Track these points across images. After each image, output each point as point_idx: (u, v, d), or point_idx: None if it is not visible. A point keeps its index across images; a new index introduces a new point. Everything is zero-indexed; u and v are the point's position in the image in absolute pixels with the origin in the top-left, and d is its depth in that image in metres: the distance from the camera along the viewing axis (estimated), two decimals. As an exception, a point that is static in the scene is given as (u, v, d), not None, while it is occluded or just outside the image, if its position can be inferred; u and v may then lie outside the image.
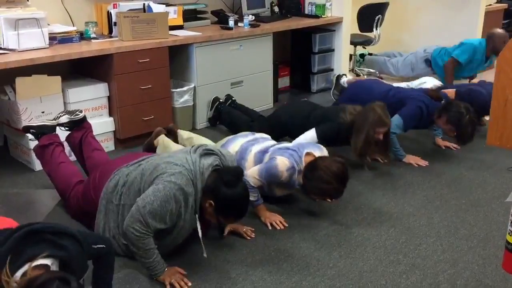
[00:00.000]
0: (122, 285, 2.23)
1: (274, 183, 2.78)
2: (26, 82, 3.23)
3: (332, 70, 5.31)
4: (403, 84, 4.41)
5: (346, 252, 2.52)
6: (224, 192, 2.20)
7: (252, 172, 2.72)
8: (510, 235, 1.66)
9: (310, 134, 3.30)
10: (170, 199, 2.16)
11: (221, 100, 4.19)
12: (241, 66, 4.37)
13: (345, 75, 5.03)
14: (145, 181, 2.29)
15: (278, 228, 2.72)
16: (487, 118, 4.24)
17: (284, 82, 5.30)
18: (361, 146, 3.21)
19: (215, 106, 4.17)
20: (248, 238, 2.63)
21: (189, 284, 2.25)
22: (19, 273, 1.63)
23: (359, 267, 2.40)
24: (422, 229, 2.74)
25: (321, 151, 2.86)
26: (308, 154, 2.77)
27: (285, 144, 2.93)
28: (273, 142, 3.03)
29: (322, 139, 3.25)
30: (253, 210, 2.81)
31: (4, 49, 3.27)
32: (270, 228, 2.72)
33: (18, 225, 1.77)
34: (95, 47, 3.51)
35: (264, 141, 3.00)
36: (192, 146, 2.42)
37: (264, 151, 2.86)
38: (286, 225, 2.75)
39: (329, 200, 2.79)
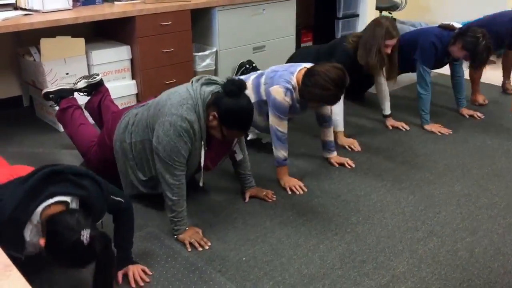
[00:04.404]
0: (143, 243, 2.29)
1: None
2: (50, 43, 3.26)
3: (356, 36, 5.20)
4: None
5: (364, 217, 2.53)
6: (226, 102, 2.20)
7: (272, 121, 2.75)
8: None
9: None
10: (181, 131, 2.20)
11: (247, 66, 4.16)
12: (264, 31, 4.31)
13: None
14: (150, 116, 2.35)
15: (298, 193, 2.75)
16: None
17: (307, 47, 5.23)
18: (373, 59, 3.26)
19: (240, 71, 4.14)
20: (270, 200, 2.66)
21: (209, 244, 2.29)
22: (40, 208, 1.71)
23: (376, 232, 2.41)
24: (442, 197, 2.72)
25: None
26: (305, 68, 2.75)
27: (280, 66, 2.91)
28: None
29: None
30: (275, 169, 2.83)
31: (29, 10, 3.29)
32: (289, 192, 2.74)
33: (41, 166, 1.83)
34: (118, 9, 3.51)
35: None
36: (195, 77, 2.42)
37: (259, 75, 2.90)
38: (306, 189, 2.77)
39: (328, 108, 2.89)
